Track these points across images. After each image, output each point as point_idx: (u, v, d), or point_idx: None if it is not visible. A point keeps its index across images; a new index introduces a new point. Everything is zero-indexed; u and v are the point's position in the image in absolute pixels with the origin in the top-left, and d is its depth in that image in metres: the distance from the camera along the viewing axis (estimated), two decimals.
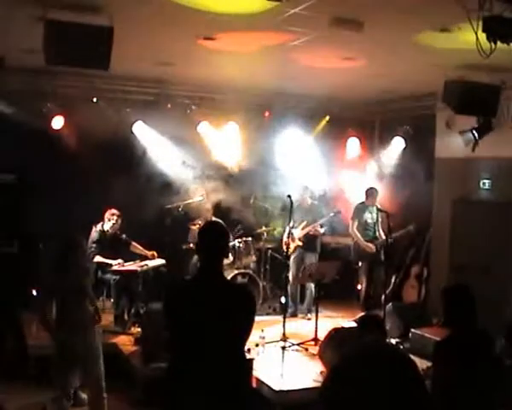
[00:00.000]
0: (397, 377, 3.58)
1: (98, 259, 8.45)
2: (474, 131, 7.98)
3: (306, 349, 7.76)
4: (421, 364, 3.90)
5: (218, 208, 9.93)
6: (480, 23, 4.47)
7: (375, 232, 9.65)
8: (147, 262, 8.70)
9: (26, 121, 8.22)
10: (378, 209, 9.51)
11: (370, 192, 9.76)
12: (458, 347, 4.22)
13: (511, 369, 4.66)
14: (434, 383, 4.17)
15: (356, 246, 9.78)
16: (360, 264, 9.83)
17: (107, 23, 5.49)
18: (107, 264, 8.44)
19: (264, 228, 10.30)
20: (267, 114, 10.53)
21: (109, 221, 8.63)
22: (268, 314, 9.51)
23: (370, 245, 9.57)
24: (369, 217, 9.70)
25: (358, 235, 9.68)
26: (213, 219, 9.10)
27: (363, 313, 8.70)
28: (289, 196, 8.53)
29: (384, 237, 9.26)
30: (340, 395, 3.58)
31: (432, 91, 8.34)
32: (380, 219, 9.62)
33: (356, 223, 9.73)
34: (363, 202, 9.86)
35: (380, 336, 3.96)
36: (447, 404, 4.10)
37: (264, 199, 10.65)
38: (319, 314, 8.32)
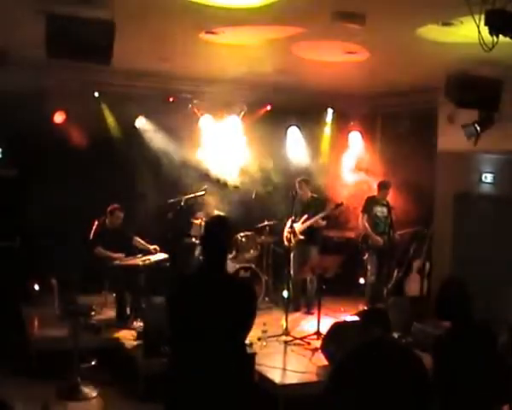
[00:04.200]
0: (401, 373, 3.58)
1: (100, 253, 8.47)
2: (476, 125, 7.96)
3: (309, 343, 7.76)
4: (425, 358, 3.88)
5: (220, 203, 9.92)
6: (483, 17, 4.46)
7: (385, 227, 9.56)
8: (149, 257, 8.68)
9: (28, 115, 8.21)
10: (388, 204, 9.48)
11: (383, 186, 9.69)
12: (458, 341, 4.20)
13: None
14: (434, 377, 4.16)
15: (365, 238, 9.76)
16: (367, 256, 9.80)
17: (109, 17, 5.48)
18: (110, 258, 8.45)
19: (266, 222, 10.28)
20: (268, 107, 10.54)
21: (111, 216, 8.63)
22: (270, 309, 9.51)
23: (379, 238, 9.53)
24: (380, 211, 9.61)
25: (368, 227, 9.66)
26: (216, 213, 9.10)
27: (365, 307, 8.72)
28: (291, 191, 8.51)
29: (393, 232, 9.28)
30: (344, 392, 3.58)
31: (434, 85, 8.30)
32: (391, 214, 9.51)
33: (366, 216, 9.71)
34: (374, 196, 9.82)
35: (384, 331, 3.94)
36: (448, 399, 4.10)
37: (265, 193, 10.64)
38: (321, 308, 8.32)
